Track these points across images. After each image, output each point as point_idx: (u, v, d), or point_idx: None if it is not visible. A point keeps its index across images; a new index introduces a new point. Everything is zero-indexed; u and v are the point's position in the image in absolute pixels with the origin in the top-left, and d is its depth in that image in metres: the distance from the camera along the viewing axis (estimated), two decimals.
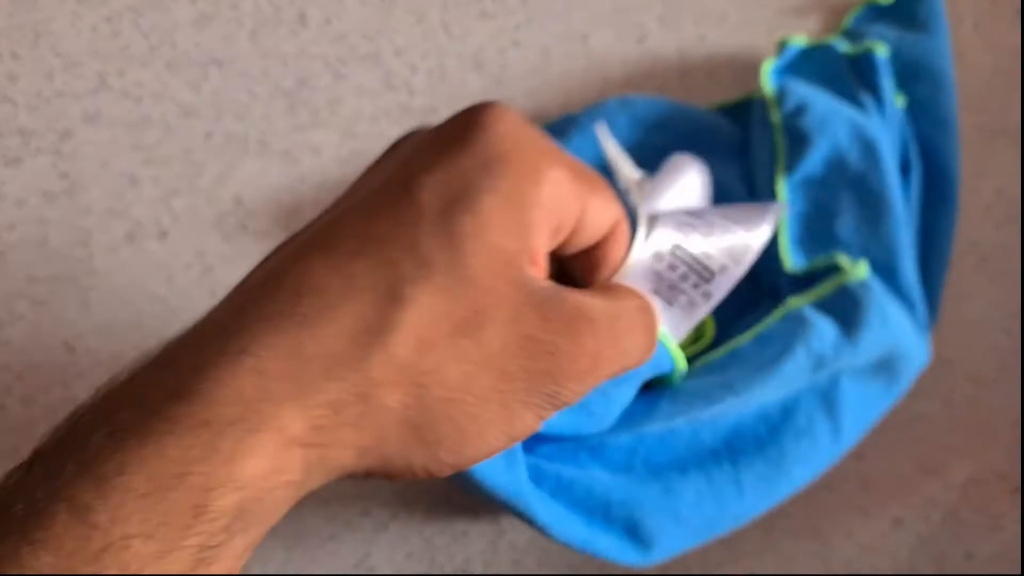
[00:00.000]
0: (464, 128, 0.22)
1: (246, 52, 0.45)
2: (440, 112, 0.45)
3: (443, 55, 0.46)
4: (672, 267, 0.25)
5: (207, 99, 0.45)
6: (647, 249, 0.25)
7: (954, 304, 0.42)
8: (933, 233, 0.42)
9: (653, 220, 0.26)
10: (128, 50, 0.45)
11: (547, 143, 0.22)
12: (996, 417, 0.41)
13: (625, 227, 0.24)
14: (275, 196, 0.44)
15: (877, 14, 0.48)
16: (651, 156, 0.43)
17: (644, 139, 0.43)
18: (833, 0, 0.49)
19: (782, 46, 0.44)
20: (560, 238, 0.23)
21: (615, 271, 0.25)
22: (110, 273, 0.42)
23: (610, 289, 0.24)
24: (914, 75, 0.44)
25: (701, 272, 0.26)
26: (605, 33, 0.47)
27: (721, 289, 0.26)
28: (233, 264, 0.43)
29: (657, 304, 0.26)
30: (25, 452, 0.40)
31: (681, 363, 0.29)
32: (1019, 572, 0.39)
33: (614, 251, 0.24)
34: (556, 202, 0.22)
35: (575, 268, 0.25)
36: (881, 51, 0.42)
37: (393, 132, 0.45)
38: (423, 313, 0.19)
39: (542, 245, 0.22)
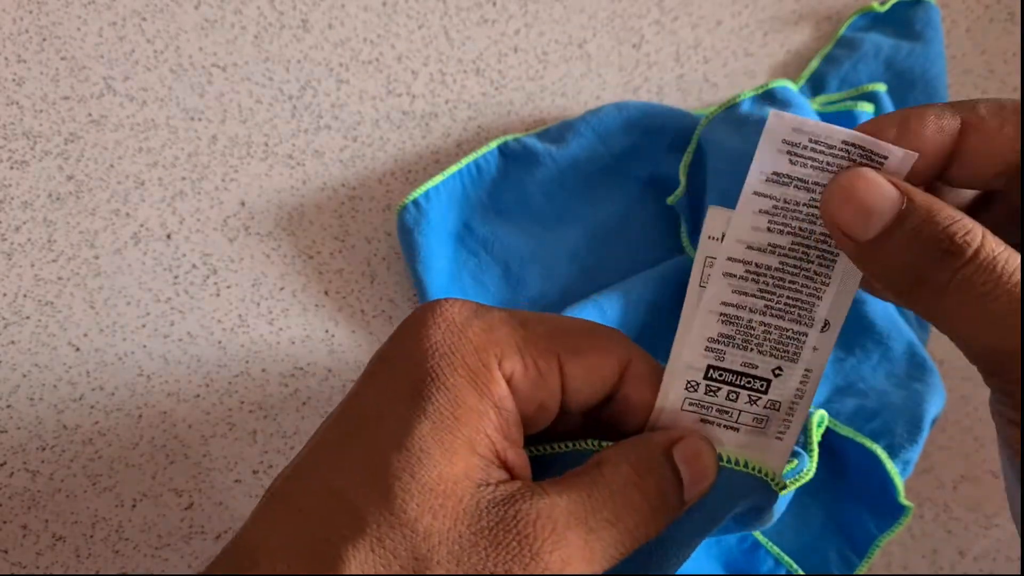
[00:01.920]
0: (398, 346, 0.22)
1: (250, 56, 0.46)
2: (440, 117, 0.46)
3: (444, 60, 0.47)
4: (712, 391, 0.23)
5: (211, 103, 0.45)
6: (675, 383, 0.23)
7: None
8: None
9: (679, 344, 0.22)
10: (133, 54, 0.45)
11: (493, 334, 0.21)
12: (989, 415, 0.41)
13: (641, 365, 0.23)
14: (278, 199, 0.44)
15: (873, 21, 0.48)
16: (646, 161, 0.44)
17: (639, 143, 0.44)
18: (828, 7, 0.49)
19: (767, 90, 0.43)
20: (549, 415, 0.23)
21: (645, 414, 0.23)
22: (116, 274, 0.43)
23: (597, 467, 0.22)
24: (908, 84, 0.45)
25: (749, 384, 0.22)
26: (602, 38, 0.48)
27: (790, 390, 0.22)
28: (237, 265, 0.43)
29: (718, 433, 0.23)
30: (30, 450, 0.41)
31: (781, 492, 0.24)
32: (1016, 571, 0.39)
33: (634, 395, 0.23)
34: (517, 395, 0.21)
35: (608, 419, 0.24)
36: (866, 108, 0.42)
37: (394, 136, 0.46)
38: (360, 571, 0.18)
39: (504, 446, 0.21)
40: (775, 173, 0.20)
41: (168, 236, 0.43)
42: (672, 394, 0.23)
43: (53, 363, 0.41)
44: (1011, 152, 0.20)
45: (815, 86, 0.47)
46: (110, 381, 0.41)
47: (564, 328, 0.23)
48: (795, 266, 0.21)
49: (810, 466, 0.24)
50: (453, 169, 0.43)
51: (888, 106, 0.43)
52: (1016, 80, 0.46)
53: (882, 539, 0.36)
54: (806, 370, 0.22)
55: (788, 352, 0.22)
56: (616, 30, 0.48)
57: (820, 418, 0.26)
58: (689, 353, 0.22)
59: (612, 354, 0.23)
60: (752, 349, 0.22)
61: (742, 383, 0.22)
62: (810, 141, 0.20)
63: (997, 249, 0.19)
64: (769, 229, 0.21)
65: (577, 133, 0.43)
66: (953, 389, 0.41)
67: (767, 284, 0.21)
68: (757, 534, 0.36)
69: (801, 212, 0.21)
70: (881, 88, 0.43)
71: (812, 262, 0.21)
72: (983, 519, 0.40)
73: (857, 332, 0.39)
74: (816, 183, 0.20)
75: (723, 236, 0.22)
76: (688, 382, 0.23)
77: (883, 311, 0.39)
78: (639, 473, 0.21)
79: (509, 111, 0.47)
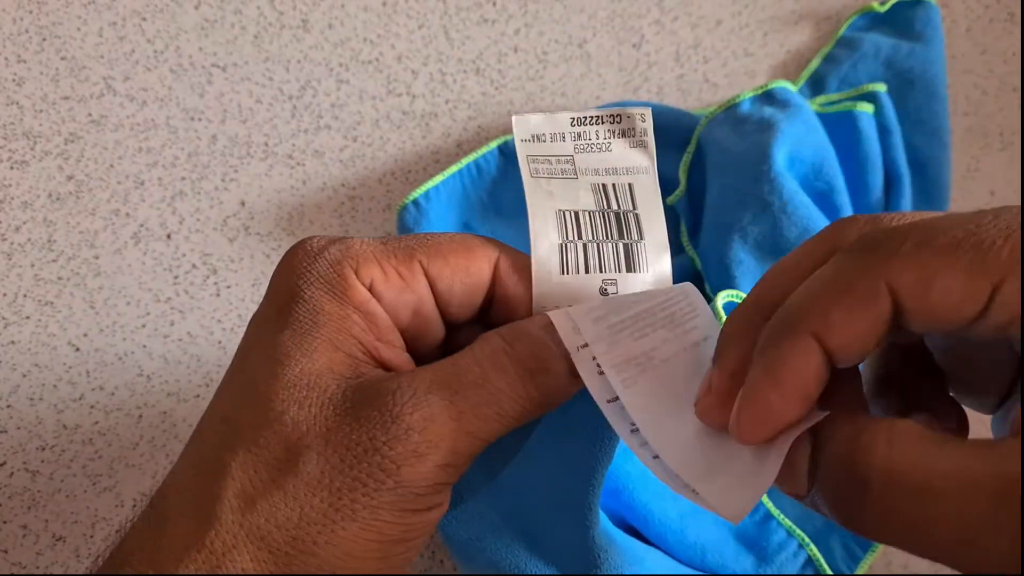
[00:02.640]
0: (269, 285, 0.23)
1: (250, 56, 0.46)
2: (440, 117, 0.46)
3: (443, 60, 0.47)
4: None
5: (211, 103, 0.45)
6: (542, 265, 0.24)
7: None
8: None
9: (532, 229, 0.24)
10: (133, 54, 0.45)
11: (348, 251, 0.22)
12: (989, 416, 0.41)
13: (510, 259, 0.24)
14: (278, 198, 0.44)
15: (872, 21, 0.48)
16: None
17: None
18: (828, 7, 0.49)
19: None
20: (430, 322, 0.23)
21: (526, 306, 0.24)
22: (116, 274, 0.42)
23: (469, 346, 0.22)
24: (908, 84, 0.45)
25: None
26: (602, 38, 0.48)
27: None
28: (237, 265, 0.43)
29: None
30: (30, 450, 0.41)
31: None
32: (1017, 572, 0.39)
33: (511, 290, 0.24)
34: (382, 300, 0.22)
35: (501, 322, 0.24)
36: (865, 108, 0.42)
37: (394, 136, 0.46)
38: (242, 471, 0.20)
39: (376, 346, 0.22)
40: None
41: (168, 236, 0.43)
42: (540, 276, 0.24)
43: (53, 363, 0.41)
44: (953, 309, 0.16)
45: (815, 86, 0.47)
46: (110, 381, 0.41)
47: (425, 237, 0.24)
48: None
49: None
50: (453, 169, 0.43)
51: (888, 106, 0.43)
52: (1016, 80, 0.46)
53: None
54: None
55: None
56: (616, 30, 0.48)
57: (728, 296, 0.26)
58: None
59: (476, 253, 0.24)
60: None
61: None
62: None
63: (915, 455, 0.15)
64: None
65: None
66: None
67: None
68: (769, 505, 0.36)
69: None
70: (881, 88, 0.43)
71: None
72: None
73: None
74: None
75: (532, 137, 0.24)
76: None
77: None
78: (508, 341, 0.22)
79: (509, 111, 0.47)
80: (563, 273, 0.24)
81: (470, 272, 0.23)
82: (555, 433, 0.24)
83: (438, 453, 0.20)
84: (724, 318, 0.26)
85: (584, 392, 0.22)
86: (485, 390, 0.21)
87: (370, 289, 0.22)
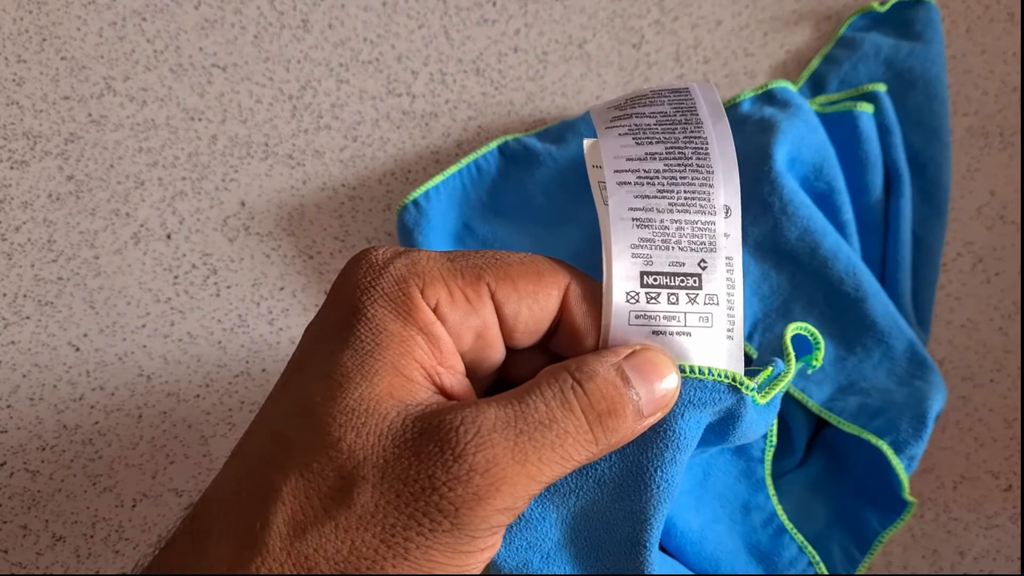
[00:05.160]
0: (328, 295, 0.22)
1: (250, 56, 0.46)
2: (440, 117, 0.46)
3: (444, 60, 0.47)
4: (652, 298, 0.23)
5: (212, 103, 0.45)
6: (616, 296, 0.23)
7: (948, 305, 0.43)
8: (924, 244, 0.43)
9: (608, 259, 0.23)
10: (133, 54, 0.45)
11: (415, 267, 0.21)
12: (989, 416, 0.41)
13: (581, 287, 0.23)
14: (278, 198, 0.44)
15: (873, 21, 0.48)
16: None
17: None
18: (828, 7, 0.49)
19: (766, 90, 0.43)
20: (493, 347, 0.23)
21: (593, 336, 0.23)
22: (116, 274, 0.42)
23: (535, 380, 0.21)
24: (908, 84, 0.45)
25: (684, 283, 0.23)
26: (602, 38, 0.48)
27: (720, 279, 0.23)
28: (237, 265, 0.43)
29: (672, 343, 0.23)
30: (30, 450, 0.41)
31: (750, 393, 0.23)
32: (1016, 571, 0.39)
33: (580, 318, 0.23)
34: (447, 323, 0.21)
35: (564, 351, 0.24)
36: (866, 108, 0.42)
37: (394, 136, 0.46)
38: (293, 497, 0.19)
39: (437, 371, 0.21)
40: (612, 119, 0.24)
41: (168, 236, 0.43)
42: (616, 309, 0.23)
43: (53, 363, 0.41)
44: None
45: (815, 86, 0.47)
46: (110, 381, 0.41)
47: (494, 258, 0.23)
48: (679, 164, 0.23)
49: (787, 370, 0.24)
50: (453, 169, 0.43)
51: (888, 106, 0.43)
52: (1016, 80, 0.46)
53: (885, 535, 0.36)
54: (727, 257, 0.23)
55: (705, 244, 0.23)
56: (616, 30, 0.48)
57: (797, 329, 0.26)
58: (619, 265, 0.23)
59: (546, 278, 0.23)
60: (673, 248, 0.23)
61: (677, 283, 0.23)
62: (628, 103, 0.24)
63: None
64: (638, 143, 0.23)
65: (577, 133, 0.43)
66: (953, 389, 0.41)
67: (663, 184, 0.23)
68: (784, 519, 0.36)
69: (657, 130, 0.23)
70: (881, 88, 0.43)
71: (690, 157, 0.23)
72: (983, 519, 0.40)
73: (858, 331, 0.39)
74: (654, 112, 0.24)
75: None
76: (627, 293, 0.23)
77: (883, 310, 0.39)
78: (577, 380, 0.21)
79: (509, 111, 0.47)
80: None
81: (538, 298, 0.22)
82: (612, 469, 0.24)
83: (499, 497, 0.19)
84: (792, 351, 0.25)
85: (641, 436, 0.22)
86: (552, 432, 0.20)
87: (435, 310, 0.21)
